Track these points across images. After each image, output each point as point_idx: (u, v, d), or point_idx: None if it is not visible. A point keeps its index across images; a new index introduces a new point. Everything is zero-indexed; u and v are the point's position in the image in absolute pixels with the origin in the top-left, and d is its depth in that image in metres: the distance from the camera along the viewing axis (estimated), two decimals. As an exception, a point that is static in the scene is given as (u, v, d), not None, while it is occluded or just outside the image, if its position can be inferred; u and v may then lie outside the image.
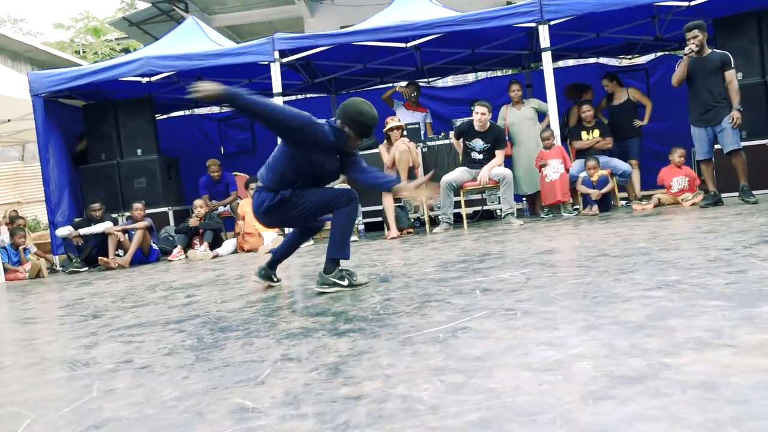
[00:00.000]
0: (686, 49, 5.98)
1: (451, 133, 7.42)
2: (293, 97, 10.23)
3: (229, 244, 7.42)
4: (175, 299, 3.85)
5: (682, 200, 6.62)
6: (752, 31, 7.00)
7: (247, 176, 8.36)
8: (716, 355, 1.59)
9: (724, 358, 1.57)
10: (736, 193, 6.09)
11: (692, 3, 7.34)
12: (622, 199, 7.65)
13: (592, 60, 9.98)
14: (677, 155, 7.00)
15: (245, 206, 7.67)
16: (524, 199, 8.15)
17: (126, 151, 8.38)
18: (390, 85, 9.61)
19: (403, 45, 8.23)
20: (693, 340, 1.74)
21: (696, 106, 6.07)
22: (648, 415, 1.27)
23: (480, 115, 6.90)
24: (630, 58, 10.38)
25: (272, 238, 7.20)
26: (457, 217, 7.29)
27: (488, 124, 7.01)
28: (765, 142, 6.83)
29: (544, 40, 7.09)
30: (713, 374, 1.46)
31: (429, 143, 7.86)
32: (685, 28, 6.03)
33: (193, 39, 8.21)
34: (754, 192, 5.89)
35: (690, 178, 6.94)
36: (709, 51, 6.03)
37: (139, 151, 8.37)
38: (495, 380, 1.59)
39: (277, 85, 7.40)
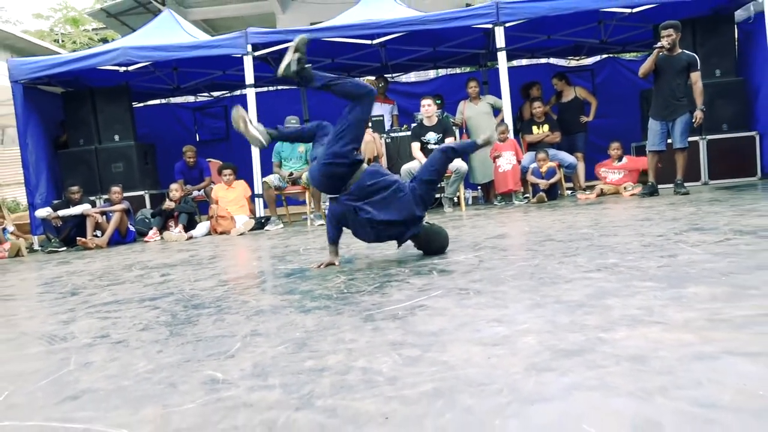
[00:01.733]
0: (658, 43, 5.95)
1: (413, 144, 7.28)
2: (264, 89, 10.10)
3: (202, 227, 7.32)
4: (150, 278, 3.79)
5: (624, 188, 6.76)
6: (687, 37, 7.14)
7: (221, 162, 8.25)
8: (647, 331, 1.64)
9: (654, 333, 1.61)
10: (671, 185, 6.24)
11: (635, 10, 7.46)
12: (568, 188, 7.77)
13: (543, 60, 10.09)
14: (613, 148, 7.18)
15: (218, 191, 7.57)
16: (479, 187, 8.22)
17: (104, 137, 8.19)
18: (357, 79, 9.52)
19: (368, 42, 8.20)
20: (627, 317, 1.79)
21: (657, 101, 6.09)
22: (585, 385, 1.30)
23: (427, 107, 7.03)
24: (578, 59, 10.53)
25: (244, 221, 7.13)
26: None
27: (435, 117, 7.10)
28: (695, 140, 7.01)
29: (500, 40, 7.14)
30: (644, 348, 1.50)
31: (392, 134, 7.86)
32: (661, 26, 5.99)
33: (169, 31, 8.03)
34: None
35: (627, 171, 7.07)
36: (679, 51, 6.00)
37: (116, 137, 8.19)
38: (448, 354, 1.61)
39: (249, 77, 7.30)
